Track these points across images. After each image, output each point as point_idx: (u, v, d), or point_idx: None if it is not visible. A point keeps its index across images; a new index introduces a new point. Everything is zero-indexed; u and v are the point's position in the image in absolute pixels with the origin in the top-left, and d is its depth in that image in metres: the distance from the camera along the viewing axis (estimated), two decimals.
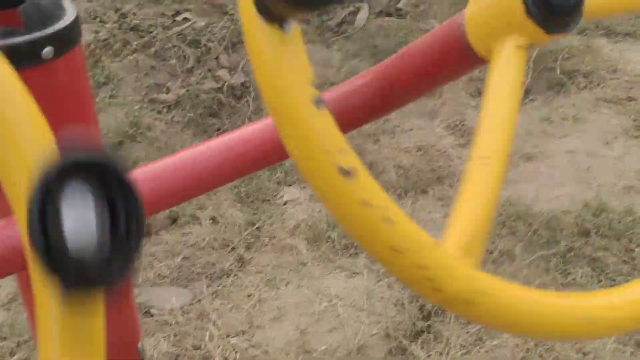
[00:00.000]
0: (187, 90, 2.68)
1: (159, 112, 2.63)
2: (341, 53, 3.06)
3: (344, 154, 0.44)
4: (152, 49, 2.94)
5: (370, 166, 2.35)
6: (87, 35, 2.98)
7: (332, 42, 3.15)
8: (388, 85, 0.66)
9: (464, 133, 2.63)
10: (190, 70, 2.85)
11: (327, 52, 3.04)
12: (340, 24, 3.27)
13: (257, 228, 2.13)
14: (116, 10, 3.26)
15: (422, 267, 0.44)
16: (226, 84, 2.72)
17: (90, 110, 0.67)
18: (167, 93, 2.72)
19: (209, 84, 2.74)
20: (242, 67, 2.83)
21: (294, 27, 0.42)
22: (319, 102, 0.44)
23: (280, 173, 2.35)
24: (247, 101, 2.67)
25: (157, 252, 2.04)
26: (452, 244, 0.47)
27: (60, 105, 0.62)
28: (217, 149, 0.65)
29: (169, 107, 2.65)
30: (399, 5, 3.41)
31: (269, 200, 2.27)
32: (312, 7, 0.37)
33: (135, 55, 2.90)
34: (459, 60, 0.59)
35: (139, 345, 0.83)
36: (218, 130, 2.59)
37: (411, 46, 0.63)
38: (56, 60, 0.60)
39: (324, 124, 0.44)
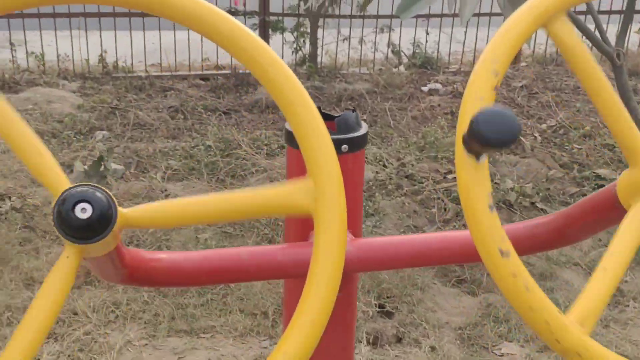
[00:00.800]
0: None
1: None
2: None
3: (504, 241, 0.71)
4: (419, 197, 3.35)
5: None
6: (369, 174, 3.49)
7: None
8: (562, 226, 0.92)
9: None
10: (447, 221, 3.20)
11: None
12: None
13: None
14: (398, 159, 3.77)
15: (547, 323, 0.69)
16: None
17: (359, 194, 1.02)
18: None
19: None
20: None
21: (484, 159, 0.72)
22: (492, 208, 0.72)
23: (504, 327, 2.53)
24: None
25: (377, 359, 2.33)
26: (573, 315, 0.71)
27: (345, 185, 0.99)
28: (425, 240, 0.97)
29: None
30: None
31: (487, 347, 2.45)
32: (494, 150, 0.67)
33: (403, 198, 3.33)
34: (612, 211, 0.84)
35: None
36: (458, 277, 2.85)
37: (583, 200, 0.90)
38: (348, 154, 0.97)
39: (493, 221, 0.72)
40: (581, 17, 3.84)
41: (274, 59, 0.71)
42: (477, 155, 0.70)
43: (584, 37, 3.59)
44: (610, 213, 0.86)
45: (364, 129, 1.00)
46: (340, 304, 1.06)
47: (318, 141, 0.73)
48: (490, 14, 5.54)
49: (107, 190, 0.65)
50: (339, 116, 0.98)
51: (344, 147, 0.96)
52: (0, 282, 2.63)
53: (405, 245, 1.00)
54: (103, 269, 0.83)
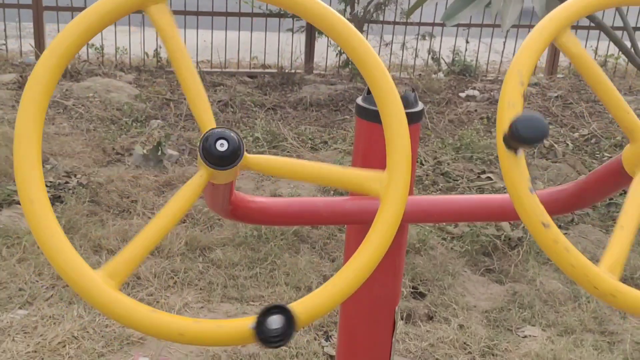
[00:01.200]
0: (472, 230, 3.24)
1: (444, 239, 3.21)
2: None
3: (544, 215, 0.93)
4: (453, 193, 3.57)
5: None
6: None
7: (612, 229, 3.48)
8: (579, 191, 1.14)
9: None
10: None
11: (603, 235, 3.39)
12: None
13: (495, 344, 2.54)
14: (435, 158, 3.99)
15: (586, 275, 0.90)
16: (505, 234, 3.22)
17: (414, 159, 1.25)
18: (455, 227, 3.30)
19: (492, 230, 3.26)
20: (524, 226, 3.30)
21: (521, 153, 0.93)
22: (532, 190, 0.94)
23: (528, 313, 2.74)
24: (518, 252, 3.13)
25: (410, 332, 2.56)
26: (603, 266, 0.92)
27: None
28: (464, 201, 1.20)
29: (453, 237, 3.22)
30: None
31: (511, 329, 2.67)
32: (528, 146, 0.89)
33: (438, 193, 3.56)
34: (619, 177, 1.06)
35: (396, 308, 1.34)
36: (487, 267, 3.07)
37: (595, 170, 1.12)
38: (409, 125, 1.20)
39: (534, 200, 0.94)
40: (618, 32, 4.03)
41: (378, 63, 0.95)
42: (516, 151, 0.92)
43: (620, 52, 3.78)
44: (618, 179, 1.08)
45: (420, 106, 1.23)
46: (393, 250, 1.29)
47: (401, 144, 0.95)
48: (530, 26, 5.73)
49: (239, 135, 0.90)
50: (402, 95, 1.22)
51: None
52: None
53: (450, 203, 1.24)
54: (215, 200, 1.08)
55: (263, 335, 0.78)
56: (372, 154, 1.23)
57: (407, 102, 1.22)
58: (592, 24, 4.26)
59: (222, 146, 0.87)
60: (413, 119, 1.21)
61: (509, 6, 2.90)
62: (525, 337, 2.64)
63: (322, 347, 2.49)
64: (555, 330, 2.67)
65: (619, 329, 2.70)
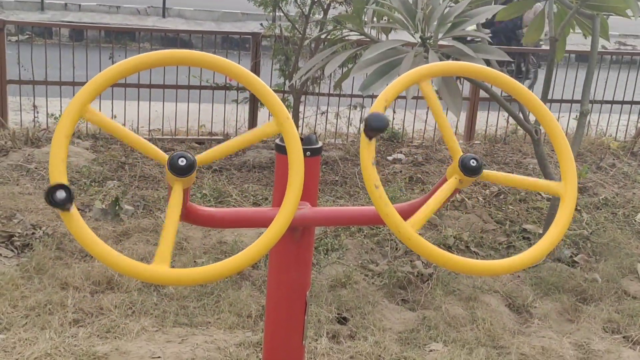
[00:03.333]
0: (390, 268, 3.78)
1: (366, 275, 3.74)
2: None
3: (376, 180, 1.48)
4: (376, 238, 4.13)
5: None
6: None
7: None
8: (426, 201, 1.70)
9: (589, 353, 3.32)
10: (397, 257, 3.97)
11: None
12: None
13: (404, 356, 3.05)
14: None
15: (397, 226, 1.46)
16: (418, 270, 3.77)
17: (316, 181, 1.80)
18: (376, 266, 3.84)
19: (407, 268, 3.81)
20: (432, 264, 3.86)
21: (373, 140, 1.49)
22: (374, 163, 1.50)
23: (434, 332, 3.27)
24: (428, 284, 3.68)
25: (334, 347, 3.04)
26: (410, 223, 1.48)
27: (308, 178, 1.76)
28: (351, 210, 1.74)
29: (373, 274, 3.76)
30: (576, 258, 4.25)
31: (419, 345, 3.18)
32: (376, 133, 1.45)
33: (363, 238, 4.11)
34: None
35: (307, 292, 1.84)
36: (402, 298, 3.60)
37: (433, 188, 1.68)
38: (310, 157, 1.75)
39: (372, 170, 1.49)
40: (508, 102, 4.73)
41: (287, 117, 1.50)
42: (370, 138, 1.46)
43: (510, 117, 4.45)
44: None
45: (319, 144, 1.79)
46: (303, 248, 1.82)
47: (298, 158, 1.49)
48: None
49: (192, 154, 1.42)
50: (306, 136, 1.77)
51: (308, 153, 1.74)
52: (41, 285, 3.34)
53: (339, 212, 1.78)
54: None
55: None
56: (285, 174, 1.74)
57: (309, 141, 1.77)
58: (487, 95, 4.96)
59: (182, 162, 1.39)
60: (314, 152, 1.77)
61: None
62: (431, 351, 3.16)
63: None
64: (455, 345, 3.20)
65: (507, 343, 3.25)
